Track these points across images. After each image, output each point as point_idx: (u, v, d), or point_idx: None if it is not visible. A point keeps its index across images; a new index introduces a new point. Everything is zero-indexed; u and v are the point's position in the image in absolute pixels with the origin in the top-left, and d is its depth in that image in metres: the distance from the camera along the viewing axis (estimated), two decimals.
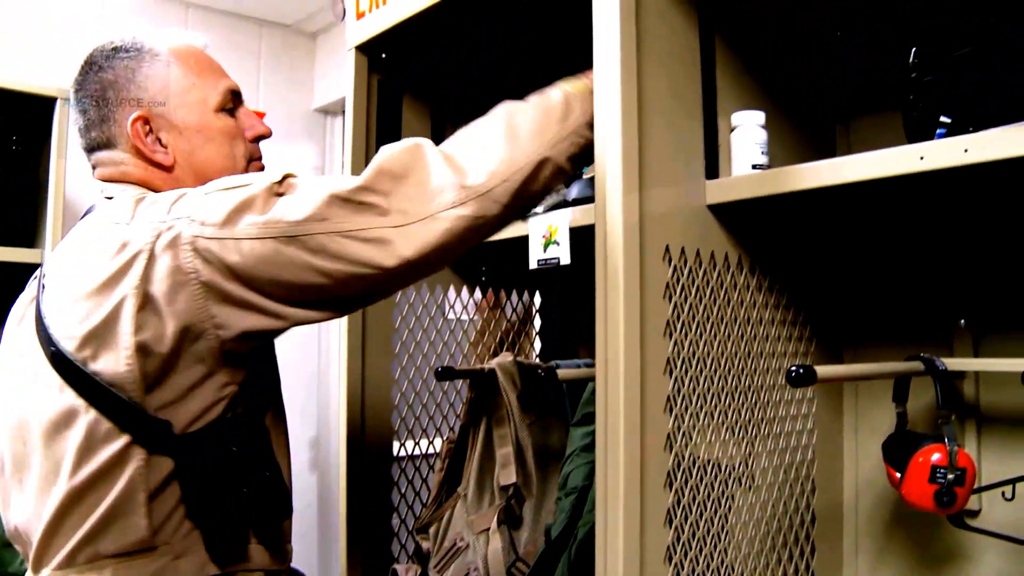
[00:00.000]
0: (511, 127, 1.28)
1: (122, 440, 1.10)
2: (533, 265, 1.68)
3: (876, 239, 1.67)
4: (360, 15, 1.96)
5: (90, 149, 1.35)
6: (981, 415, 1.53)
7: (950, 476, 1.27)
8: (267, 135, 1.46)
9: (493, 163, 1.22)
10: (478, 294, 2.23)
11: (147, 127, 1.31)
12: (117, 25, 3.14)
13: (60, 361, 1.12)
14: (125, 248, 1.11)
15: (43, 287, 1.20)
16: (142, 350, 1.09)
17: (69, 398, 1.11)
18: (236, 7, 3.44)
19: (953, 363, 1.39)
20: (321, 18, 3.55)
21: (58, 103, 2.56)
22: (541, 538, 1.70)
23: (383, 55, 1.99)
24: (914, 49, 1.24)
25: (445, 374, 1.82)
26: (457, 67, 2.12)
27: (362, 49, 1.97)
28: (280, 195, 1.15)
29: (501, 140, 1.25)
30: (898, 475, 1.34)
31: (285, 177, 1.17)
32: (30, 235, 2.74)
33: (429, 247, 1.17)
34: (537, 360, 2.09)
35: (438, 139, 2.11)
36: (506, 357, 1.82)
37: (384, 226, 1.15)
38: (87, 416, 1.10)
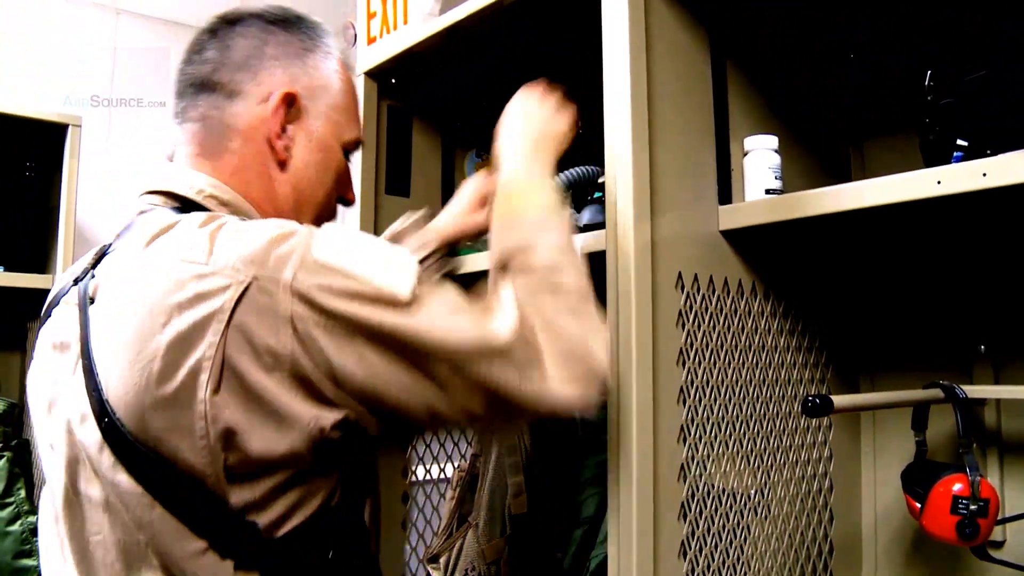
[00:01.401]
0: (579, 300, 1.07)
1: (196, 545, 0.90)
2: None
3: (892, 264, 1.65)
4: (371, 41, 1.95)
5: (194, 89, 1.12)
6: (1003, 443, 1.50)
7: (972, 507, 1.24)
8: (351, 203, 1.27)
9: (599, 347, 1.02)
10: None
11: (289, 108, 1.11)
12: (128, 52, 3.15)
13: (115, 436, 0.89)
14: (201, 301, 0.87)
15: (88, 322, 0.97)
16: (226, 436, 0.87)
17: (125, 484, 0.90)
18: None
19: (973, 390, 1.36)
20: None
21: (69, 129, 2.56)
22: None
23: (393, 80, 1.98)
24: (929, 71, 1.22)
25: None
26: (467, 92, 2.11)
27: (372, 75, 1.97)
28: (415, 300, 0.92)
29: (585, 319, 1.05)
30: (918, 506, 1.31)
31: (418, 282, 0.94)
32: (41, 261, 2.73)
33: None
34: None
35: (447, 165, 2.11)
36: None
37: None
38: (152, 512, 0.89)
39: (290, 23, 1.15)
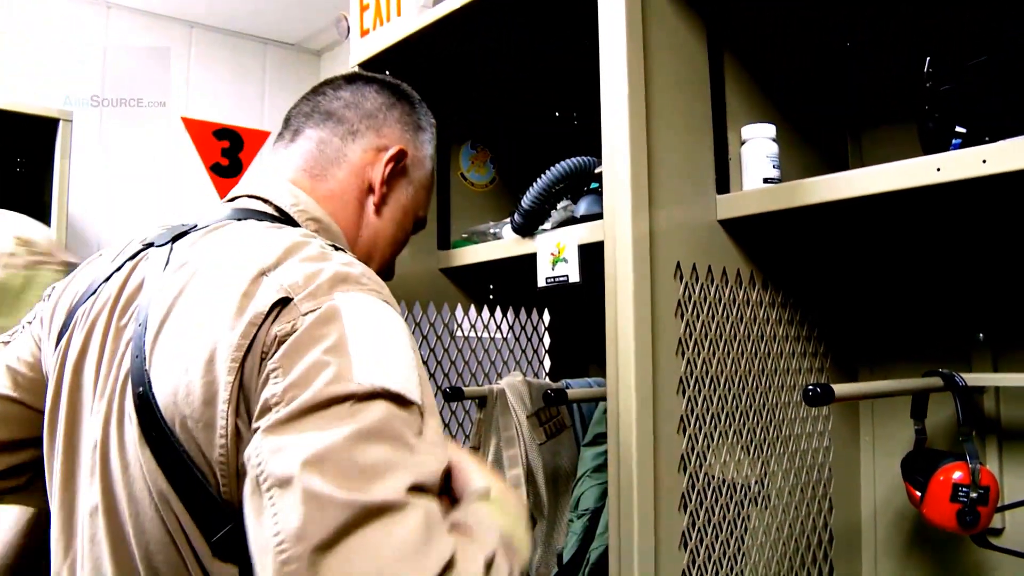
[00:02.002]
0: None
1: (201, 546, 0.86)
2: (541, 283, 1.65)
3: (891, 252, 1.65)
4: (364, 33, 1.94)
5: (322, 116, 1.22)
6: (1002, 431, 1.50)
7: (973, 495, 1.24)
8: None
9: None
10: (486, 312, 2.20)
11: (395, 165, 1.22)
12: (122, 44, 3.14)
13: (153, 427, 0.87)
14: (249, 304, 0.86)
15: (143, 306, 0.95)
16: (238, 433, 0.84)
17: (158, 483, 0.86)
18: (240, 27, 3.44)
19: (973, 378, 1.36)
20: (325, 36, 3.54)
21: (61, 124, 2.55)
22: (553, 561, 1.67)
23: (387, 72, 1.96)
24: (929, 58, 1.22)
25: (454, 395, 1.79)
26: (462, 83, 2.11)
27: (366, 67, 1.95)
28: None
29: None
30: (918, 494, 1.31)
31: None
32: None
33: None
34: (547, 379, 2.07)
35: (443, 157, 2.11)
36: (515, 377, 1.79)
37: None
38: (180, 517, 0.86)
39: (413, 101, 1.29)
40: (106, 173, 3.07)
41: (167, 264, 0.99)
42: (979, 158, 1.07)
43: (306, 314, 0.84)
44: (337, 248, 0.98)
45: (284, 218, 1.10)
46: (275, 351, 0.82)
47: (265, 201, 1.11)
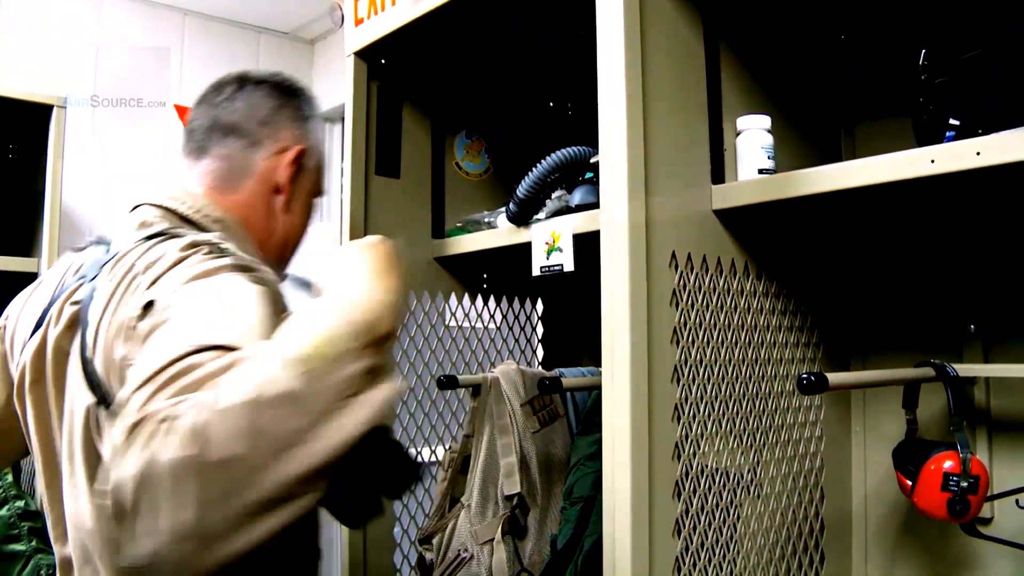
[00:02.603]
0: None
1: None
2: (536, 272, 1.66)
3: (884, 244, 1.66)
4: (359, 21, 1.94)
5: (223, 131, 1.30)
6: (992, 422, 1.51)
7: (963, 484, 1.25)
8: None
9: None
10: (480, 301, 2.21)
11: (298, 165, 1.32)
12: (115, 32, 3.13)
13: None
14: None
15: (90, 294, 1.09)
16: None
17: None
18: (234, 15, 3.43)
19: (964, 369, 1.37)
20: (319, 25, 3.54)
21: (54, 111, 2.54)
22: (546, 548, 1.68)
23: (382, 61, 1.97)
24: (924, 51, 1.22)
25: (448, 383, 1.80)
26: (457, 73, 2.11)
27: (361, 55, 1.95)
28: None
29: None
30: (909, 483, 1.32)
31: None
32: (27, 244, 2.72)
33: None
34: (540, 368, 2.08)
35: (438, 146, 2.11)
36: (509, 365, 1.79)
37: None
38: None
39: (300, 94, 1.38)
40: (100, 161, 3.06)
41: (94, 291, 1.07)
42: (973, 150, 1.08)
43: None
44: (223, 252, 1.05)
45: (192, 224, 1.20)
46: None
47: (173, 212, 1.21)
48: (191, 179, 1.30)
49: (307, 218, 1.39)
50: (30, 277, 2.52)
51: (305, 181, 1.35)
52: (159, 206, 1.21)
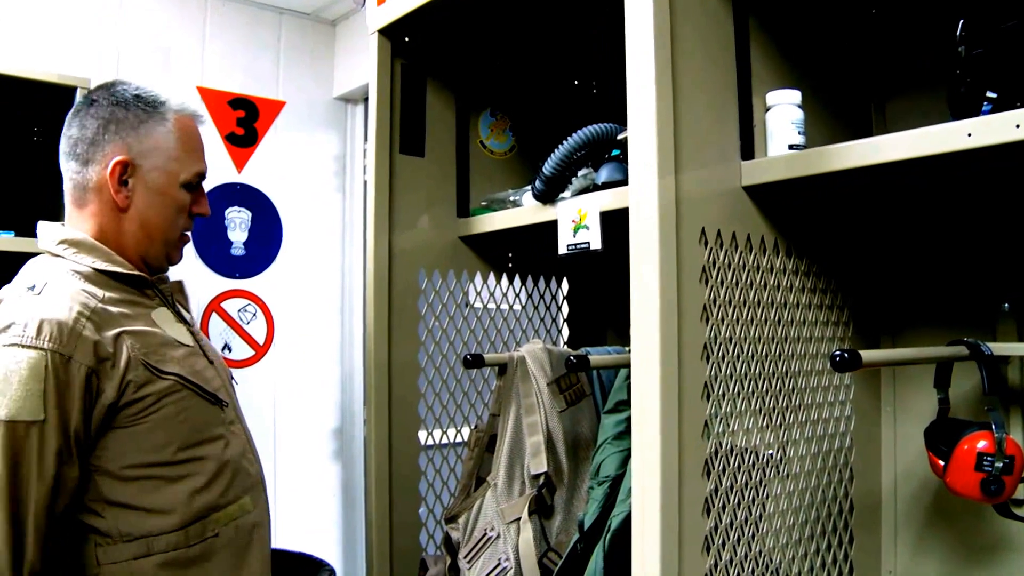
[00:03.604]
0: None
1: None
2: (563, 250, 1.65)
3: (916, 221, 1.63)
4: (380, 1, 1.93)
5: (66, 157, 1.52)
6: None
7: (998, 464, 1.23)
8: (207, 215, 1.64)
9: None
10: (505, 281, 2.20)
11: (124, 171, 1.48)
12: (138, 14, 3.13)
13: None
14: None
15: None
16: None
17: None
18: None
19: (998, 347, 1.35)
20: (340, 5, 3.52)
21: (78, 93, 2.53)
22: (573, 527, 1.68)
23: (406, 39, 1.96)
24: (961, 21, 1.20)
25: (474, 362, 1.79)
26: (481, 51, 2.09)
27: (385, 33, 1.94)
28: None
29: None
30: (941, 463, 1.30)
31: None
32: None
33: None
34: (565, 348, 2.07)
35: (462, 124, 2.10)
36: (535, 344, 1.79)
37: None
38: None
39: (129, 102, 1.52)
40: None
41: None
42: (1013, 123, 1.05)
43: None
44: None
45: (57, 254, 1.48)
46: None
47: (46, 252, 1.51)
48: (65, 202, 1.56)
49: (165, 208, 1.54)
50: None
51: (145, 178, 1.51)
52: (44, 251, 1.52)
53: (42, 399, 1.26)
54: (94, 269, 1.45)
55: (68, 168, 1.52)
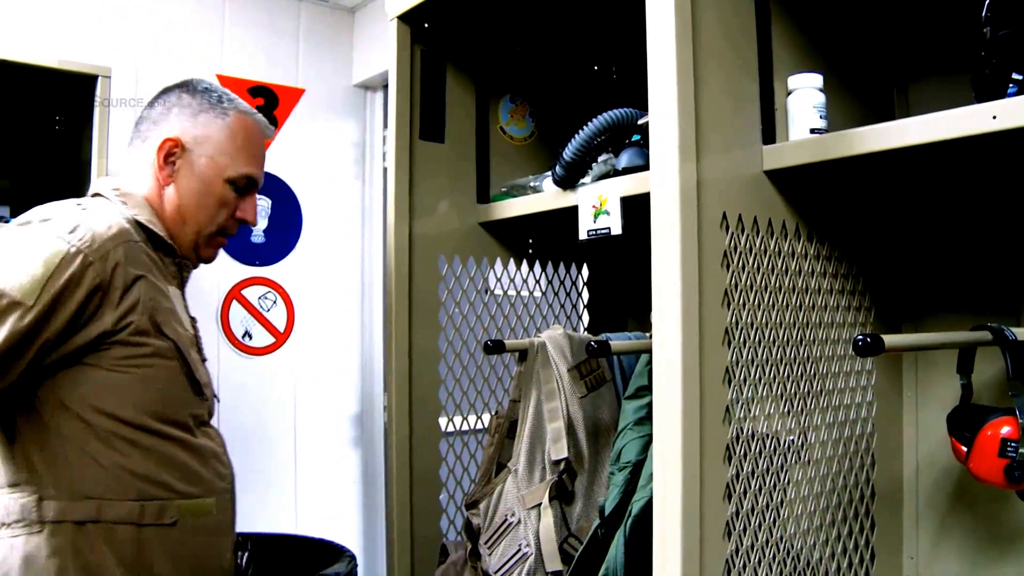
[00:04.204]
0: None
1: None
2: (583, 236, 1.65)
3: (938, 205, 1.62)
4: None
5: (134, 131, 1.62)
6: None
7: (1022, 450, 1.22)
8: (251, 224, 1.67)
9: None
10: (525, 267, 2.20)
11: (174, 150, 1.56)
12: (158, 1, 3.14)
13: None
14: None
15: None
16: None
17: None
18: None
19: (1022, 332, 1.34)
20: None
21: (99, 81, 2.54)
22: (594, 513, 1.68)
23: (425, 24, 1.96)
24: (987, 2, 1.19)
25: (494, 347, 1.79)
26: (501, 37, 2.09)
27: (404, 19, 1.94)
28: None
29: None
30: (964, 449, 1.30)
31: None
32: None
33: None
34: (585, 334, 2.06)
35: (482, 110, 2.10)
36: (556, 330, 1.79)
37: None
38: None
39: (197, 91, 1.61)
40: None
41: None
42: None
43: None
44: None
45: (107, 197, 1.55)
46: None
47: (98, 194, 1.57)
48: (120, 169, 1.66)
49: (205, 197, 1.58)
50: None
51: (193, 164, 1.57)
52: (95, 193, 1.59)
53: (41, 287, 1.29)
54: (137, 220, 1.49)
55: (131, 145, 1.61)
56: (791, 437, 1.43)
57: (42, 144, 2.77)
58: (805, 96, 1.40)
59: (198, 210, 1.58)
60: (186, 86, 1.62)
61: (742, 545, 1.31)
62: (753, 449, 1.35)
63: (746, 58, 1.39)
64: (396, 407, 1.94)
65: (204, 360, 1.61)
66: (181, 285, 1.60)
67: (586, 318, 2.39)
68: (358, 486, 3.63)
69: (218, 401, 1.67)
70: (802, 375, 1.45)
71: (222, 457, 1.57)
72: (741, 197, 1.35)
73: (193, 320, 1.61)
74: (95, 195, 1.57)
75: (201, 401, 1.53)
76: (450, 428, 2.07)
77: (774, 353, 1.39)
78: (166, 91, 1.63)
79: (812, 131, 1.38)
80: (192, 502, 1.46)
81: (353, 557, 2.82)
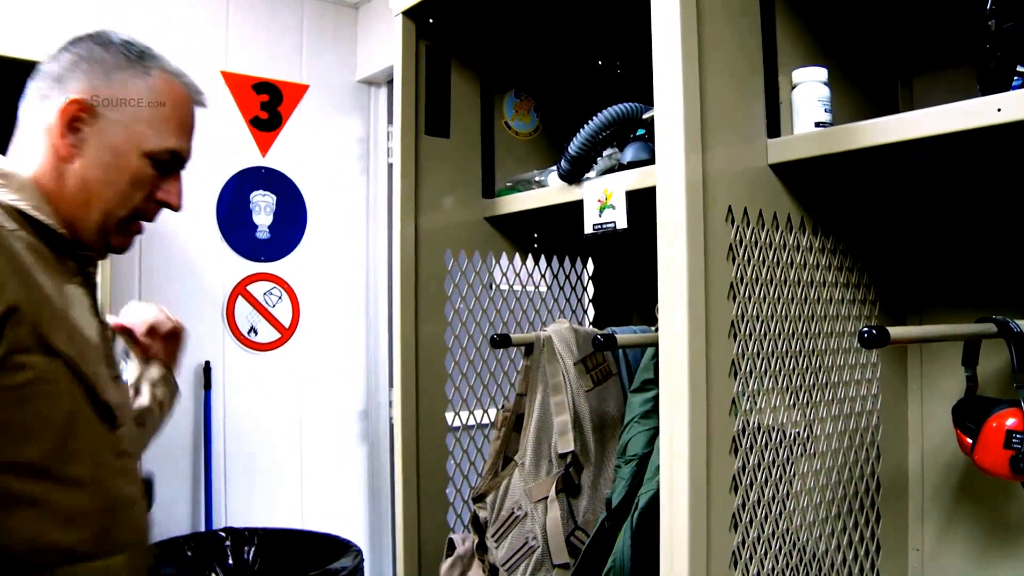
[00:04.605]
0: None
1: None
2: (588, 230, 1.65)
3: (942, 198, 1.62)
4: None
5: (29, 91, 1.30)
6: None
7: None
8: (175, 209, 1.36)
9: None
10: (530, 261, 2.20)
11: (80, 115, 1.24)
12: (163, 2, 3.15)
13: None
14: None
15: None
16: None
17: None
18: None
19: None
20: None
21: None
22: (600, 506, 1.69)
23: (430, 20, 1.96)
24: None
25: (501, 342, 1.80)
26: (506, 32, 2.09)
27: (409, 15, 1.95)
28: None
29: None
30: (970, 441, 1.30)
31: None
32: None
33: None
34: (591, 327, 2.07)
35: (487, 106, 2.10)
36: (562, 324, 1.79)
37: None
38: None
39: (112, 44, 1.29)
40: None
41: None
42: None
43: None
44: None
45: None
46: None
47: None
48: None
49: (117, 173, 1.27)
50: None
51: (105, 132, 1.26)
52: None
53: None
54: (15, 208, 1.19)
55: (26, 104, 1.29)
56: (797, 429, 1.43)
57: None
58: (810, 90, 1.40)
59: (107, 188, 1.26)
60: (99, 37, 1.30)
61: (748, 537, 1.32)
62: (759, 441, 1.35)
63: (751, 52, 1.40)
64: (403, 401, 1.94)
65: (117, 377, 1.31)
66: (87, 283, 1.29)
67: (591, 312, 2.40)
68: (364, 481, 3.65)
69: (159, 427, 1.57)
70: (807, 368, 1.46)
71: (140, 502, 1.27)
72: (746, 191, 1.35)
73: (104, 326, 1.32)
74: None
75: (112, 428, 1.19)
76: (456, 422, 2.08)
77: (779, 346, 1.40)
78: (75, 41, 1.30)
79: (817, 124, 1.38)
80: (92, 565, 1.13)
81: (359, 551, 2.84)
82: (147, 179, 1.29)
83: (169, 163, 1.32)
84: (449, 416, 2.05)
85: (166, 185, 1.33)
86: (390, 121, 3.60)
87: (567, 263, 2.31)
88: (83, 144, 1.24)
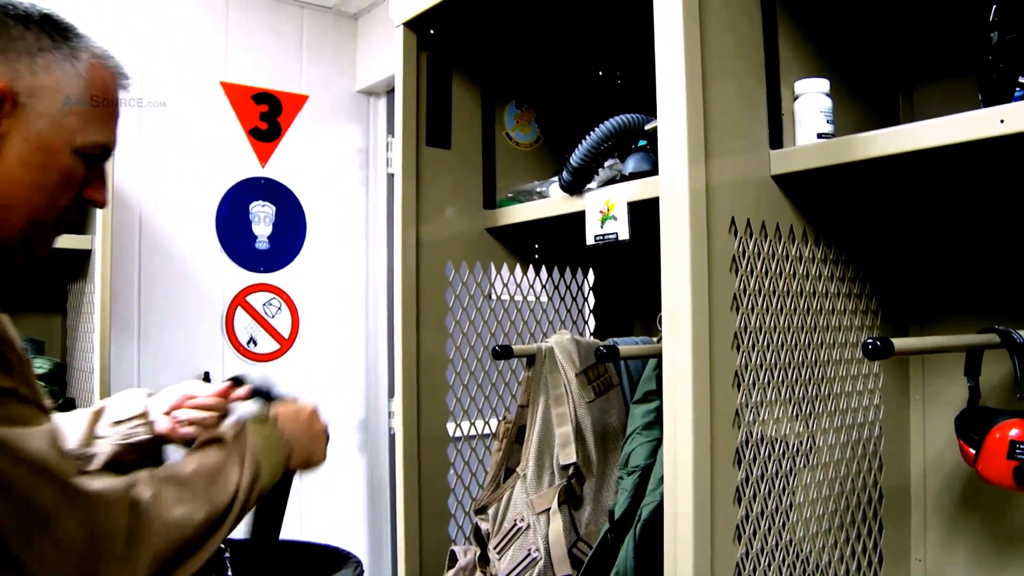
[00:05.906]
0: None
1: None
2: (590, 241, 1.66)
3: (945, 209, 1.63)
4: None
5: None
6: None
7: None
8: (101, 206, 1.21)
9: None
10: (531, 272, 2.20)
11: (0, 105, 1.05)
12: (161, 8, 3.15)
13: None
14: None
15: None
16: None
17: None
18: None
19: None
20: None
21: None
22: (603, 517, 1.68)
23: (431, 31, 1.96)
24: (995, 6, 1.19)
25: (502, 353, 1.80)
26: (507, 43, 2.10)
27: (410, 26, 1.95)
28: None
29: None
30: (972, 452, 1.30)
31: None
32: (80, 222, 2.74)
33: None
34: (592, 339, 2.07)
35: (488, 117, 2.10)
36: (564, 335, 1.79)
37: None
38: None
39: (33, 20, 1.10)
40: (144, 137, 3.09)
41: None
42: None
43: None
44: None
45: None
46: None
47: None
48: None
49: (44, 172, 1.10)
50: (85, 254, 2.56)
51: (28, 124, 1.08)
52: None
53: None
54: None
55: None
56: (799, 440, 1.43)
57: None
58: (812, 101, 1.40)
59: (34, 191, 1.09)
60: (17, 10, 1.09)
61: (752, 549, 1.32)
62: (762, 453, 1.35)
63: (753, 63, 1.40)
64: (404, 412, 1.94)
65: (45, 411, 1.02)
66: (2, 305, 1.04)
67: (592, 323, 2.40)
68: (363, 492, 3.64)
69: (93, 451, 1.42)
70: (810, 379, 1.46)
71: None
72: (749, 201, 1.35)
73: (22, 350, 0.97)
74: None
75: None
76: (458, 433, 2.08)
77: (782, 357, 1.40)
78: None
79: (819, 136, 1.38)
80: None
81: (359, 563, 2.82)
82: (76, 177, 1.14)
83: (98, 157, 1.17)
84: (450, 427, 2.05)
85: (93, 180, 1.17)
86: (390, 131, 3.60)
87: (568, 274, 2.31)
88: (4, 141, 1.06)
